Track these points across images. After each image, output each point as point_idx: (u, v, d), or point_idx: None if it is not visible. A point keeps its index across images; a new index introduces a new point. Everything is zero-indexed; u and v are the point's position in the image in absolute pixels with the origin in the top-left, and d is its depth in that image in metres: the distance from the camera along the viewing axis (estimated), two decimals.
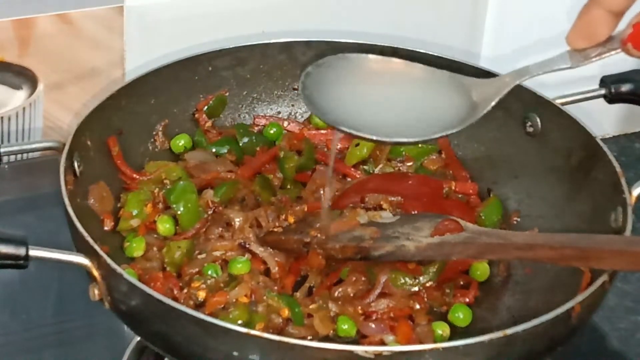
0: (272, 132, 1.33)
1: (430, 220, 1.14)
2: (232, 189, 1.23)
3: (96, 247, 1.01)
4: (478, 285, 1.17)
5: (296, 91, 1.37)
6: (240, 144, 1.30)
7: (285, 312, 1.09)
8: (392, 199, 1.22)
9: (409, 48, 1.34)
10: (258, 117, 1.35)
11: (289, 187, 1.27)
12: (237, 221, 1.19)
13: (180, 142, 1.30)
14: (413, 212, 1.21)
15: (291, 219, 1.21)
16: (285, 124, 1.35)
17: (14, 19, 1.33)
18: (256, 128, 1.34)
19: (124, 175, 1.22)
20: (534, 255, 1.07)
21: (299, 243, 1.16)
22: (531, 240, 1.09)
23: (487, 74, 1.31)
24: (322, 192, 1.25)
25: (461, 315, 1.13)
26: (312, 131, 1.34)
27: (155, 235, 1.18)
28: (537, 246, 1.07)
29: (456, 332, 1.12)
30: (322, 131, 1.34)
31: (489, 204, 1.27)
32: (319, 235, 1.15)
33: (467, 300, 1.15)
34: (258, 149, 1.31)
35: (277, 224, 1.20)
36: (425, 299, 1.14)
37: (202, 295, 1.11)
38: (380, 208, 1.22)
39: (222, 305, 1.09)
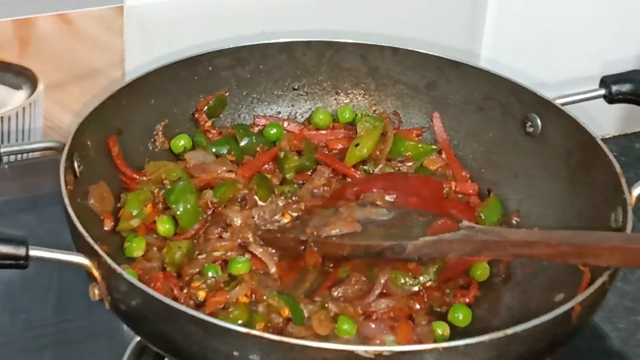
0: (272, 132, 1.33)
1: (427, 218, 1.14)
2: (231, 189, 1.23)
3: (96, 247, 1.01)
4: (478, 285, 1.17)
5: (296, 91, 1.37)
6: (241, 145, 1.30)
7: (286, 312, 1.09)
8: (388, 197, 1.22)
9: (409, 48, 1.34)
10: (258, 117, 1.35)
11: (287, 186, 1.27)
12: (237, 221, 1.19)
13: (180, 142, 1.29)
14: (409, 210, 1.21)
15: (288, 217, 1.21)
16: (285, 124, 1.35)
17: (14, 19, 1.33)
18: (256, 128, 1.34)
19: (123, 176, 1.22)
20: (531, 252, 1.07)
21: (295, 241, 1.16)
22: (528, 237, 1.09)
23: (487, 74, 1.31)
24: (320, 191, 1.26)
25: (461, 316, 1.13)
26: (312, 131, 1.34)
27: (155, 236, 1.18)
28: (534, 243, 1.07)
29: (456, 332, 1.12)
30: (322, 131, 1.34)
31: (489, 204, 1.27)
32: (315, 233, 1.15)
33: (467, 300, 1.15)
34: (258, 149, 1.31)
35: (275, 223, 1.21)
36: (425, 299, 1.14)
37: (202, 295, 1.11)
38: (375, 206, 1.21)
39: (222, 305, 1.09)
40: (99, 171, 1.19)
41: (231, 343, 0.95)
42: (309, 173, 1.29)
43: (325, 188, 1.27)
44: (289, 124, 1.35)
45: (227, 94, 1.34)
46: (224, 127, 1.33)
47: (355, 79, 1.37)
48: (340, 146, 1.33)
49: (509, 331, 0.95)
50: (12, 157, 1.39)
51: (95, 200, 1.17)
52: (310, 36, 1.35)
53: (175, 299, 1.09)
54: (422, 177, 1.28)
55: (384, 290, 1.13)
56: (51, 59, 1.36)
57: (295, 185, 1.27)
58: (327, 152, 1.32)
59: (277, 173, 1.29)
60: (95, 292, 1.03)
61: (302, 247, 1.16)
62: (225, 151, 1.29)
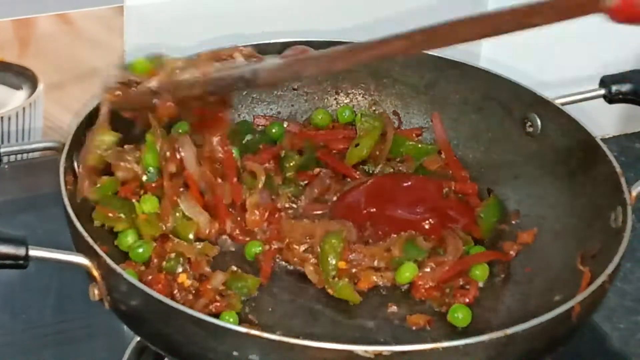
0: (274, 131, 1.33)
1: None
2: None
3: (96, 247, 1.01)
4: (478, 285, 1.17)
5: (296, 91, 1.37)
6: (243, 142, 1.30)
7: None
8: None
9: None
10: (258, 117, 1.35)
11: (291, 188, 1.26)
12: None
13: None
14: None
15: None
16: (285, 124, 1.34)
17: (14, 19, 1.33)
18: (257, 129, 1.34)
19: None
20: (387, 49, 1.05)
21: (146, 94, 1.11)
22: (382, 39, 1.05)
23: (487, 74, 1.31)
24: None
25: (460, 316, 1.12)
26: (312, 131, 1.34)
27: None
28: (387, 42, 1.03)
29: (456, 332, 1.12)
30: (322, 131, 1.34)
31: (489, 204, 1.26)
32: (165, 80, 1.11)
33: (467, 300, 1.15)
34: (260, 146, 1.30)
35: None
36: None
37: (188, 283, 1.11)
38: None
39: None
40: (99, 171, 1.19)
41: (231, 343, 0.95)
42: (310, 172, 1.28)
43: (326, 197, 1.26)
44: (288, 125, 1.35)
45: None
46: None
47: (355, 79, 1.37)
48: (340, 146, 1.33)
49: (509, 331, 0.95)
50: (12, 157, 1.39)
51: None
52: (310, 36, 1.35)
53: (174, 299, 1.09)
54: (422, 178, 1.28)
55: None
56: (51, 59, 1.37)
57: (300, 187, 1.27)
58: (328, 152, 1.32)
59: (278, 172, 1.29)
60: (95, 292, 1.03)
61: (155, 100, 1.11)
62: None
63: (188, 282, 1.11)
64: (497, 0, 1.51)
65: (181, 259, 1.13)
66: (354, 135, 1.33)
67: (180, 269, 1.12)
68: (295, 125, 1.35)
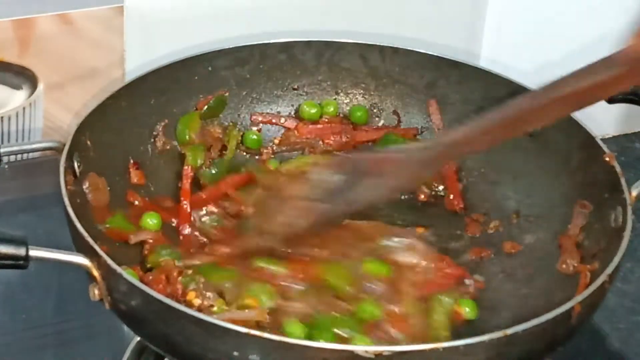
0: (252, 138, 1.33)
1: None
2: None
3: (96, 247, 1.01)
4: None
5: (296, 91, 1.37)
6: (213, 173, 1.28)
7: None
8: None
9: (409, 48, 1.34)
10: (255, 115, 1.35)
11: None
12: None
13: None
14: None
15: None
16: (282, 120, 1.34)
17: (14, 19, 1.33)
18: (254, 128, 1.34)
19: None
20: (471, 149, 1.11)
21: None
22: (464, 133, 1.09)
23: (486, 74, 1.31)
24: None
25: (467, 309, 1.13)
26: (308, 126, 1.34)
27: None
28: (470, 137, 1.08)
29: (455, 332, 1.12)
30: (319, 125, 1.34)
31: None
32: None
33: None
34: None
35: None
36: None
37: (197, 303, 1.10)
38: None
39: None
40: (99, 171, 1.19)
41: (231, 343, 0.95)
42: None
43: None
44: (286, 120, 1.35)
45: (227, 94, 1.34)
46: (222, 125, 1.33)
47: (355, 78, 1.37)
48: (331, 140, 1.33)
49: (509, 331, 0.95)
50: (12, 157, 1.39)
51: (89, 185, 1.16)
52: (310, 36, 1.35)
53: (178, 301, 1.09)
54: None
55: None
56: (51, 59, 1.37)
57: None
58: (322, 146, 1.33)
59: None
60: (95, 292, 1.03)
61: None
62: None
63: (197, 302, 1.09)
64: (498, 1, 1.52)
65: (197, 277, 1.11)
66: (348, 129, 1.34)
67: (192, 286, 1.10)
68: (292, 121, 1.35)
